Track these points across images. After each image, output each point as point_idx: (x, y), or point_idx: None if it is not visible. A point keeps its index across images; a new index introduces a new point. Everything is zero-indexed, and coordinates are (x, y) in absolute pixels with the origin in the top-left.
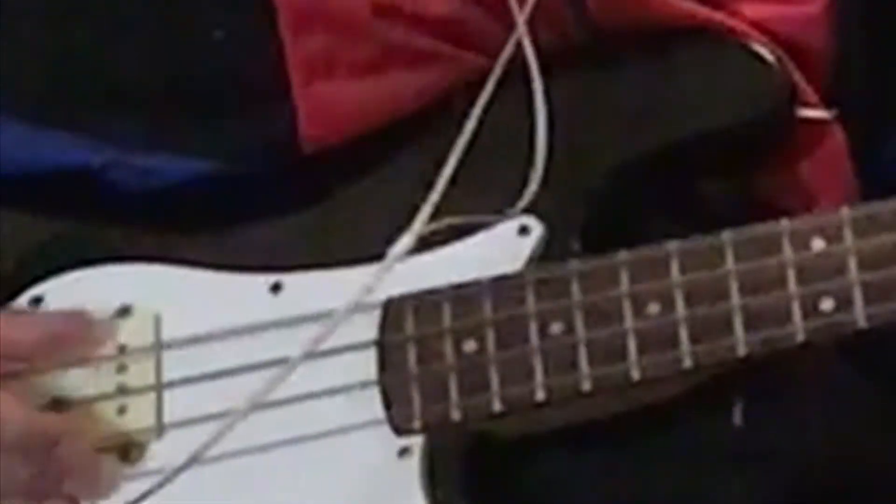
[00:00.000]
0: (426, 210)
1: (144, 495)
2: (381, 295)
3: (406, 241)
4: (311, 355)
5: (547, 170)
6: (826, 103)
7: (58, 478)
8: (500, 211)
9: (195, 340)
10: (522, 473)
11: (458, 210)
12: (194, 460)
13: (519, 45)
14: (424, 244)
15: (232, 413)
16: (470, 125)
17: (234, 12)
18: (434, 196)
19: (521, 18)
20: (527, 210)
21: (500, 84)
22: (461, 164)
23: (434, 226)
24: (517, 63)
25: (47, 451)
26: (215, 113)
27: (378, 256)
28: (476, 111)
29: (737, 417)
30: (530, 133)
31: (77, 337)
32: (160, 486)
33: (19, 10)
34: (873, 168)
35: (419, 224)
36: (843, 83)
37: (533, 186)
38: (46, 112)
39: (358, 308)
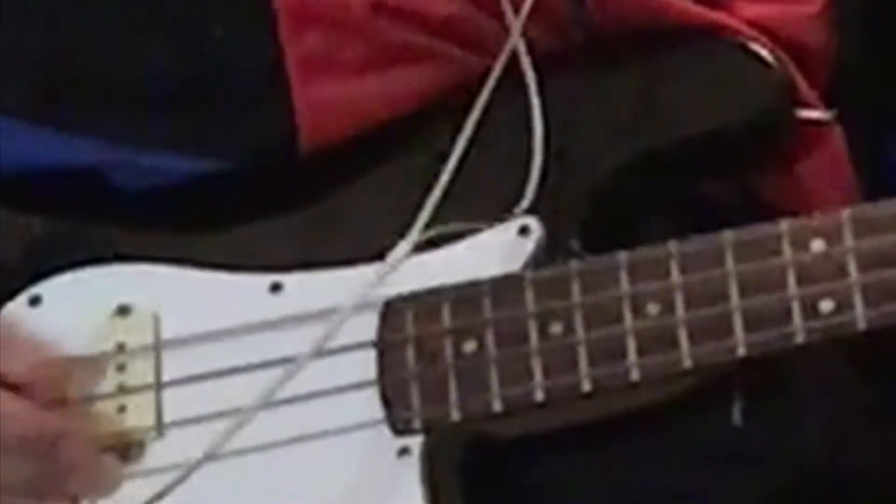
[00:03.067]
0: (424, 215)
1: (161, 494)
2: (382, 295)
3: (405, 246)
4: (313, 355)
5: (545, 170)
6: (826, 104)
7: (59, 476)
8: (499, 213)
9: (195, 340)
10: (521, 474)
11: (457, 212)
12: (209, 457)
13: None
14: (425, 244)
15: (243, 410)
16: (468, 127)
17: (232, 11)
18: (432, 201)
19: (517, 22)
20: (527, 211)
21: (499, 85)
22: (460, 165)
23: (432, 232)
24: (516, 63)
25: (48, 449)
26: (214, 112)
27: (378, 256)
28: (474, 113)
29: (736, 417)
30: (529, 134)
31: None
32: (176, 483)
33: (17, 8)
34: (873, 169)
35: (417, 230)
36: (842, 83)
37: (531, 188)
38: (45, 112)
39: (358, 308)
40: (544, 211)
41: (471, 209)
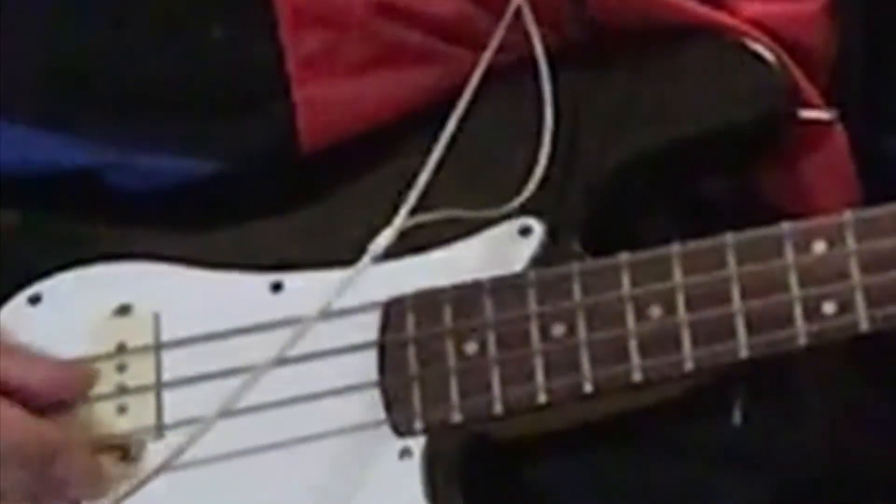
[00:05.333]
0: (407, 206)
1: (128, 493)
2: (383, 295)
3: (387, 234)
4: (289, 360)
5: (548, 169)
6: (827, 103)
7: (57, 484)
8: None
9: (195, 340)
10: (523, 475)
11: (448, 207)
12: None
13: (518, 43)
14: (424, 245)
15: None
16: (452, 121)
17: (233, 11)
18: (415, 192)
19: (528, 16)
20: (526, 210)
21: (495, 82)
22: (454, 161)
23: (414, 221)
24: (512, 61)
25: (49, 460)
26: (214, 112)
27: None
28: (459, 108)
29: (737, 418)
30: (525, 132)
31: (76, 385)
32: (141, 484)
33: (17, 12)
34: (874, 168)
35: (400, 220)
36: (843, 83)
37: (532, 185)
38: (45, 114)
39: (332, 311)
40: (546, 211)
41: (464, 207)
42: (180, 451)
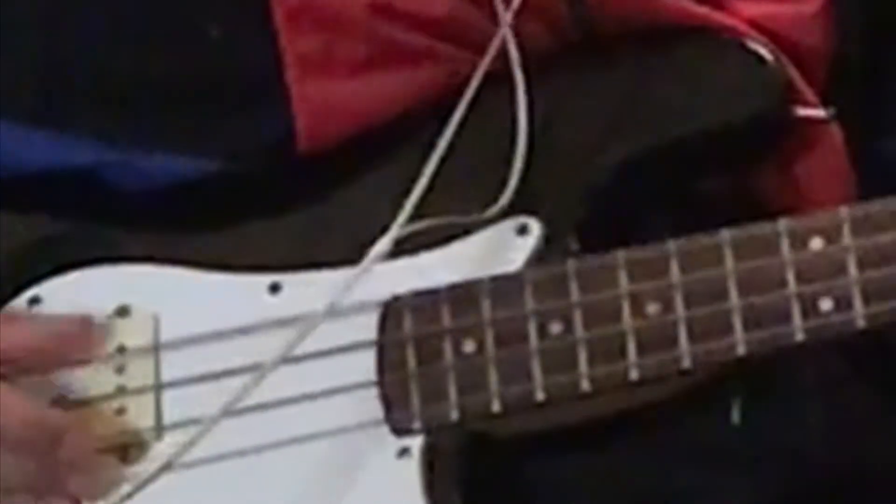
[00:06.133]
0: (405, 212)
1: (131, 494)
2: (381, 295)
3: (385, 241)
4: (287, 360)
5: (531, 168)
6: (824, 102)
7: (59, 475)
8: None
9: (194, 341)
10: (521, 474)
11: (444, 211)
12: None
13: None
14: (422, 244)
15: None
16: (452, 125)
17: (230, 11)
18: (413, 198)
19: (506, 15)
20: (523, 210)
21: (492, 84)
22: (451, 165)
23: (411, 228)
24: (509, 62)
25: (50, 447)
26: (212, 112)
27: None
28: (459, 111)
29: (735, 417)
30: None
31: (78, 338)
32: (144, 483)
33: (14, 11)
34: (872, 167)
35: (397, 227)
36: (841, 82)
37: (511, 186)
38: (43, 114)
39: (334, 311)
40: (543, 210)
41: (459, 210)
42: (184, 449)
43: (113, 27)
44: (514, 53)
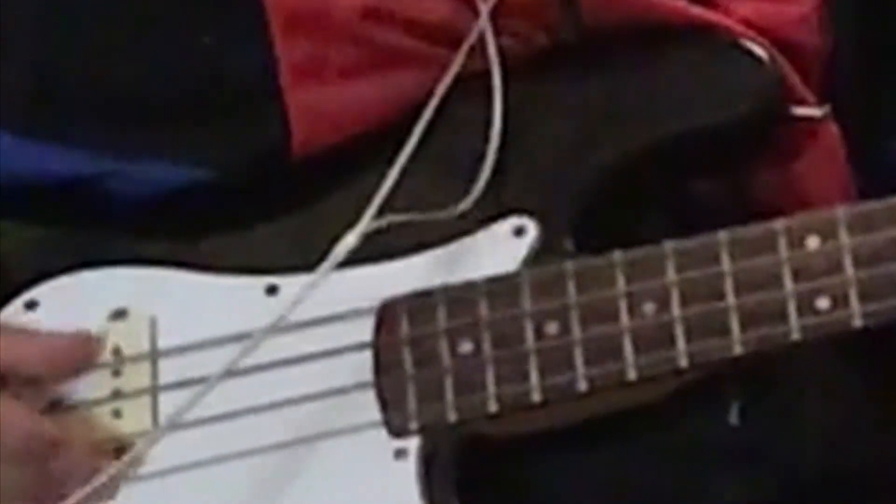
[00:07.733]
0: (372, 209)
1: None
2: (377, 296)
3: (350, 239)
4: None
5: (523, 168)
6: (820, 101)
7: (56, 483)
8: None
9: (191, 344)
10: (518, 474)
11: (420, 208)
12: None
13: (481, 43)
14: (419, 245)
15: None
16: (421, 123)
17: (223, 17)
18: (381, 194)
19: (484, 9)
20: (517, 210)
21: (480, 83)
22: (433, 162)
23: (377, 224)
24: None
25: (48, 456)
26: (206, 118)
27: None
28: (429, 108)
29: (733, 417)
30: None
31: (78, 354)
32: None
33: (7, 21)
34: (868, 165)
35: (364, 223)
36: (836, 81)
37: (480, 184)
38: (38, 123)
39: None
40: (538, 211)
41: (437, 204)
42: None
43: (106, 36)
44: (491, 47)
